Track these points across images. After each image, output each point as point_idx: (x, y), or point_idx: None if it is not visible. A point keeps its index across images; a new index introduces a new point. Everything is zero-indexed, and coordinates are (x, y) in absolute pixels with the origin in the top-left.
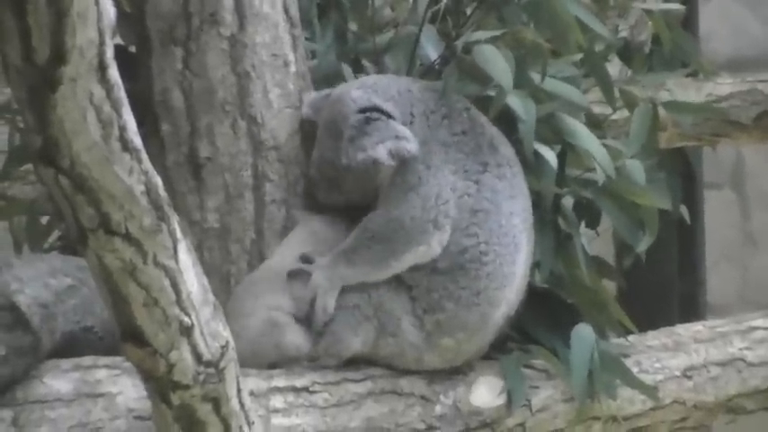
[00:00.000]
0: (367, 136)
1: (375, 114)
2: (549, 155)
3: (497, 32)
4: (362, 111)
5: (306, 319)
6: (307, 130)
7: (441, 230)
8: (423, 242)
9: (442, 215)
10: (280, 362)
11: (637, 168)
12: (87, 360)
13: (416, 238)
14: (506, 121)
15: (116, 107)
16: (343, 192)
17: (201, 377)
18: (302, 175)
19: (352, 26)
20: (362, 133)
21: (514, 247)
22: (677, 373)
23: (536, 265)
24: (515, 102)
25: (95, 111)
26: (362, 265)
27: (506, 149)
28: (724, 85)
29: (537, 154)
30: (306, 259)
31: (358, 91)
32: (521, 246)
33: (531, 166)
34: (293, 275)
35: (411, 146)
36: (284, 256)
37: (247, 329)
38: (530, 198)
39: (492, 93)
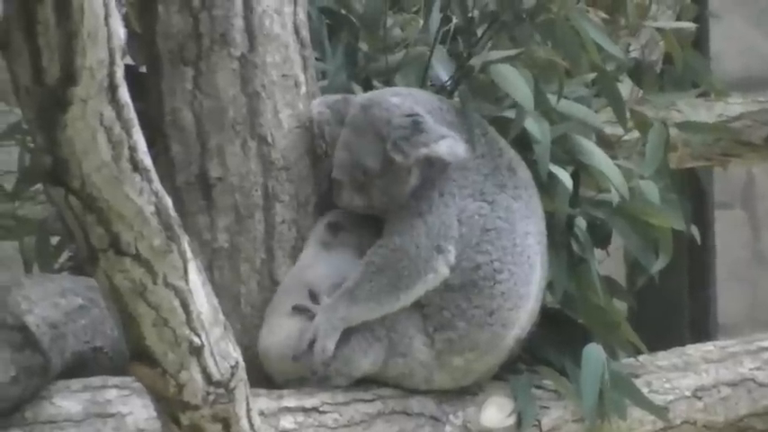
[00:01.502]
0: (425, 133)
1: (421, 118)
2: (564, 176)
3: (513, 52)
4: (408, 116)
5: (303, 356)
6: (311, 132)
7: (445, 253)
8: (429, 270)
9: (442, 239)
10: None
11: (651, 189)
12: (97, 380)
13: (423, 267)
14: (521, 142)
15: (126, 127)
16: (369, 197)
17: (211, 397)
18: (313, 193)
19: (363, 46)
20: (418, 131)
21: (529, 267)
22: (687, 394)
23: (549, 286)
24: (531, 123)
25: (105, 131)
26: (367, 302)
27: (524, 172)
28: (735, 106)
29: (551, 175)
30: (312, 295)
31: (397, 98)
32: (535, 266)
33: (546, 186)
34: (297, 311)
35: (462, 149)
36: (306, 258)
37: (272, 341)
38: (544, 219)
39: (506, 113)
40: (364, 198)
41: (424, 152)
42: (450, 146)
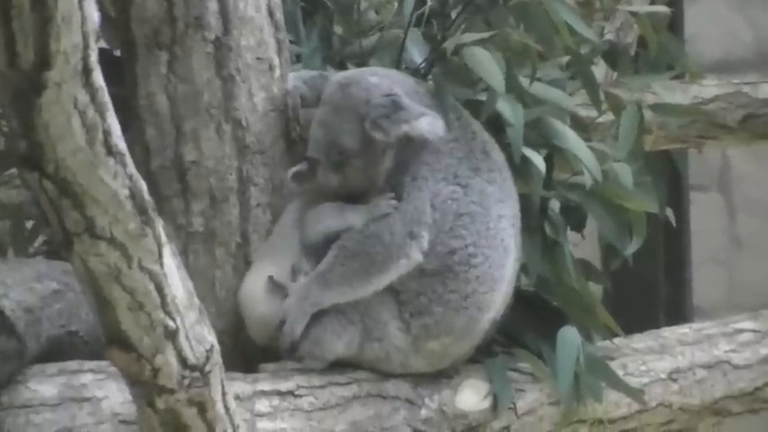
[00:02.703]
0: (404, 111)
1: (399, 97)
2: (537, 159)
3: (486, 35)
4: (387, 95)
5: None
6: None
7: (418, 239)
8: (402, 256)
9: (416, 224)
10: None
11: (624, 172)
12: (72, 364)
13: (396, 252)
14: (494, 125)
15: (100, 111)
16: (345, 177)
17: (186, 381)
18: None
19: (338, 29)
20: (398, 108)
21: (503, 250)
22: (663, 376)
23: (523, 269)
24: (504, 106)
25: (80, 115)
26: (339, 285)
27: (497, 155)
28: (710, 88)
29: (524, 158)
30: (294, 271)
31: (376, 77)
32: (509, 249)
33: (519, 169)
34: (273, 285)
35: (441, 127)
36: (284, 223)
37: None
38: (518, 202)
39: (480, 96)
40: (340, 178)
41: (404, 129)
42: (429, 123)
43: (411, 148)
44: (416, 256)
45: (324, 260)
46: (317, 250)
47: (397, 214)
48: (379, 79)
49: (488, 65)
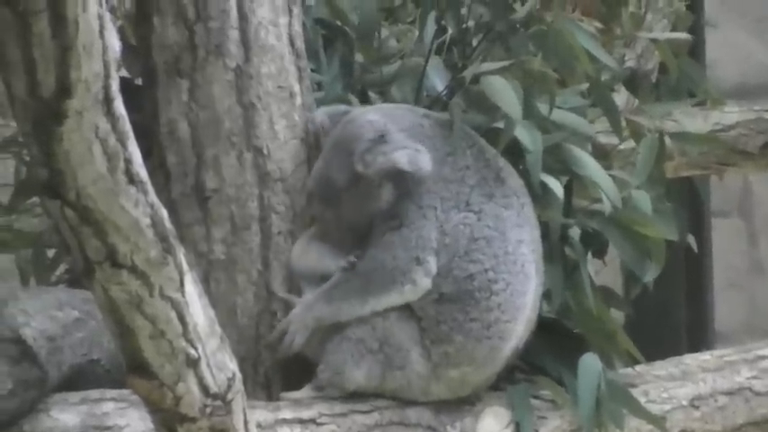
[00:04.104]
0: (386, 144)
1: (388, 133)
2: (556, 185)
3: (505, 63)
4: (378, 132)
5: (273, 345)
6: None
7: (424, 264)
8: (407, 281)
9: (420, 250)
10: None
11: (643, 199)
12: (94, 393)
13: (400, 278)
14: (513, 152)
15: (122, 140)
16: (338, 211)
17: (208, 409)
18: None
19: (358, 57)
20: (381, 143)
21: (524, 276)
22: (685, 403)
23: (545, 296)
24: (522, 133)
25: (101, 143)
26: (339, 302)
27: (515, 181)
28: (731, 114)
29: (544, 185)
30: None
31: (375, 115)
32: (530, 275)
33: (538, 196)
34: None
35: (426, 160)
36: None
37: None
38: (539, 229)
39: (500, 124)
40: (333, 212)
41: (380, 161)
42: (409, 155)
43: (407, 181)
44: (423, 282)
45: (330, 279)
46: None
47: (400, 240)
48: (376, 117)
49: (505, 93)
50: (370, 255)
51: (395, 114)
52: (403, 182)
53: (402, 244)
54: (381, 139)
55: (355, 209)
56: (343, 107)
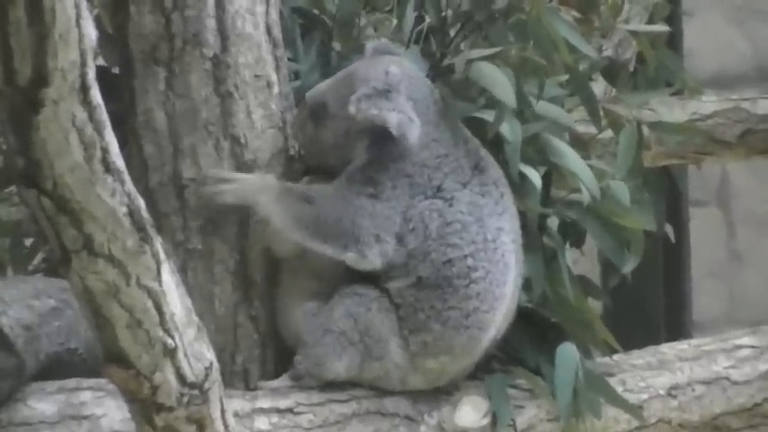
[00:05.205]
0: (386, 101)
1: (395, 91)
2: (534, 176)
3: (496, 50)
4: (387, 84)
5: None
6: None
7: (382, 243)
8: (355, 251)
9: (383, 229)
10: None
11: (621, 189)
12: (71, 382)
13: (351, 244)
14: (493, 143)
15: (98, 129)
16: (320, 134)
17: (185, 399)
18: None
19: (336, 46)
20: (383, 96)
21: (504, 265)
22: (662, 392)
23: (525, 286)
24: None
25: (78, 132)
26: (284, 210)
27: (495, 171)
28: (709, 104)
29: (522, 175)
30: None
31: (398, 69)
32: (510, 265)
33: (517, 186)
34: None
35: (415, 134)
36: None
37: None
38: (518, 219)
39: (481, 114)
40: (313, 132)
41: (372, 113)
42: (401, 120)
43: (386, 147)
44: (375, 260)
45: (317, 189)
46: None
47: (370, 210)
48: (397, 71)
49: (498, 80)
50: (335, 199)
51: (416, 79)
52: (382, 144)
53: (370, 215)
54: (386, 93)
55: (330, 141)
56: (394, 47)
